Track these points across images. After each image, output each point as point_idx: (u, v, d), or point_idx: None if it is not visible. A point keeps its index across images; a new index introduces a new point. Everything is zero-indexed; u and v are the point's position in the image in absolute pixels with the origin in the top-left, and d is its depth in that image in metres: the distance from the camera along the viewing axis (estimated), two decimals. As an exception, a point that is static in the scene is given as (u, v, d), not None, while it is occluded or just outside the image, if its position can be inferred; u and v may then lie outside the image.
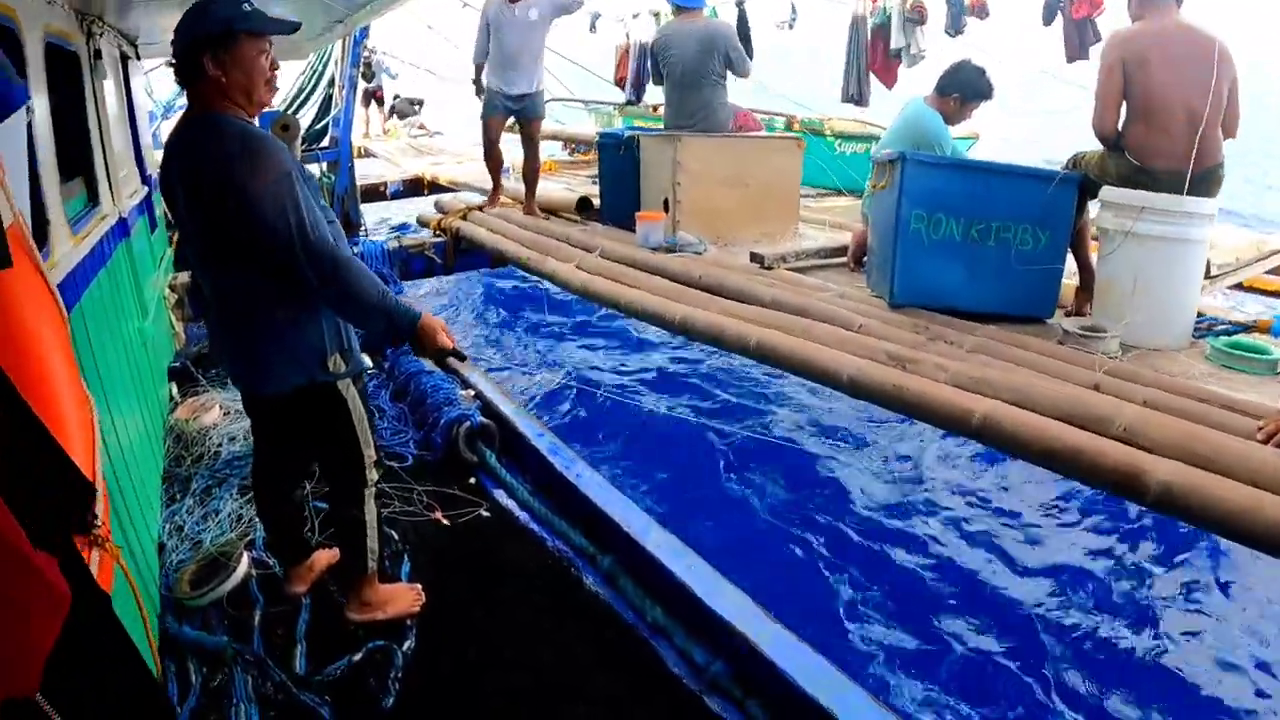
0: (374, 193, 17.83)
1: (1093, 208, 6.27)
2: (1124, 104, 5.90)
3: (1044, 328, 6.19)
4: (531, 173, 10.13)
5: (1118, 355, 5.48)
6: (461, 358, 4.44)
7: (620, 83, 17.19)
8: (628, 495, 5.98)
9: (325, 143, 13.08)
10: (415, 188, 17.82)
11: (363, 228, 13.08)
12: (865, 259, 7.23)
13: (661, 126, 9.83)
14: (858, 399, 5.28)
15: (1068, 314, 6.43)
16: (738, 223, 8.67)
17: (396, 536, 5.65)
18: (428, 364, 8.21)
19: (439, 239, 11.19)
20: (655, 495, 7.70)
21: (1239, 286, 8.28)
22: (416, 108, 23.55)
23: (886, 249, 6.25)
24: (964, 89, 7.11)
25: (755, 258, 7.61)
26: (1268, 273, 8.26)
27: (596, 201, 10.33)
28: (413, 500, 6.09)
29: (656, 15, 15.85)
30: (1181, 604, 7.25)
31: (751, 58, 9.73)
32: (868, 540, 7.75)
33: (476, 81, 9.68)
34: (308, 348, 4.02)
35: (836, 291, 6.70)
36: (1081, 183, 6.17)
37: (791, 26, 13.66)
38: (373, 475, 4.46)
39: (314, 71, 13.89)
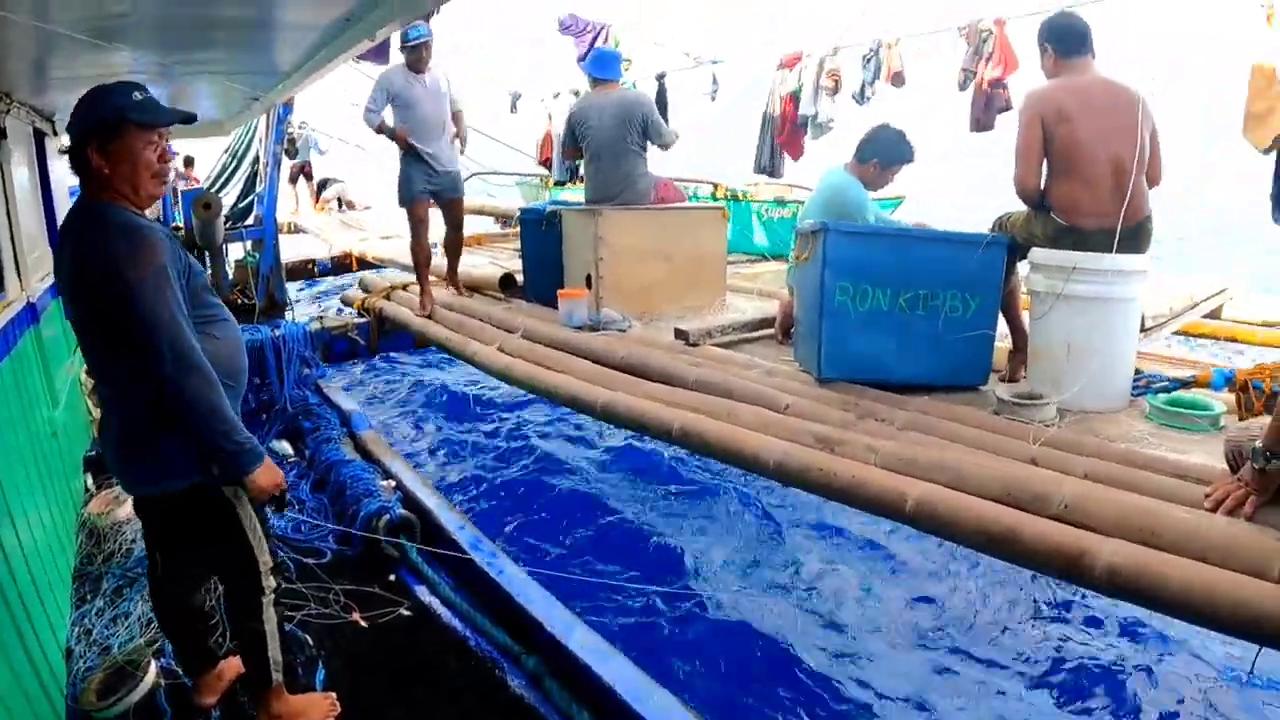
0: (303, 270, 17.96)
1: (1023, 268, 6.15)
2: (1046, 162, 5.74)
3: (979, 396, 6.01)
4: (454, 244, 9.94)
5: (1055, 422, 5.29)
6: (281, 506, 4.16)
7: (545, 163, 17.01)
8: (556, 590, 5.75)
9: (250, 220, 12.80)
10: (343, 265, 17.72)
11: (289, 307, 12.75)
12: (793, 330, 7.01)
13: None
14: (787, 485, 5.08)
15: (1002, 379, 6.28)
16: (663, 297, 8.49)
17: (310, 642, 5.43)
18: (348, 452, 8.00)
19: (363, 320, 10.92)
20: (586, 590, 7.39)
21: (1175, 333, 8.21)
22: (341, 185, 23.43)
23: (812, 323, 6.04)
24: (883, 154, 6.99)
25: (680, 334, 7.40)
26: (1204, 317, 8.28)
27: (520, 278, 10.11)
28: (329, 601, 5.83)
29: (577, 94, 15.70)
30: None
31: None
32: (815, 649, 7.39)
33: (387, 131, 9.26)
34: (185, 447, 3.78)
35: (764, 368, 6.49)
36: (1009, 245, 6.01)
37: (713, 98, 13.46)
38: (270, 582, 4.22)
39: (238, 148, 13.66)
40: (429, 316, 9.37)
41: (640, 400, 5.99)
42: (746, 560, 8.56)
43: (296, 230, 21.15)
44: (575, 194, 15.79)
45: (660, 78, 13.83)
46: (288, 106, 11.34)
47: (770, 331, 7.73)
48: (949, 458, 4.53)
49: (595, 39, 13.97)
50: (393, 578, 6.23)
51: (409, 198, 9.32)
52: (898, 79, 11.43)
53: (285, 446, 9.05)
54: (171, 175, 21.27)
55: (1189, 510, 3.83)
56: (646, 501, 9.55)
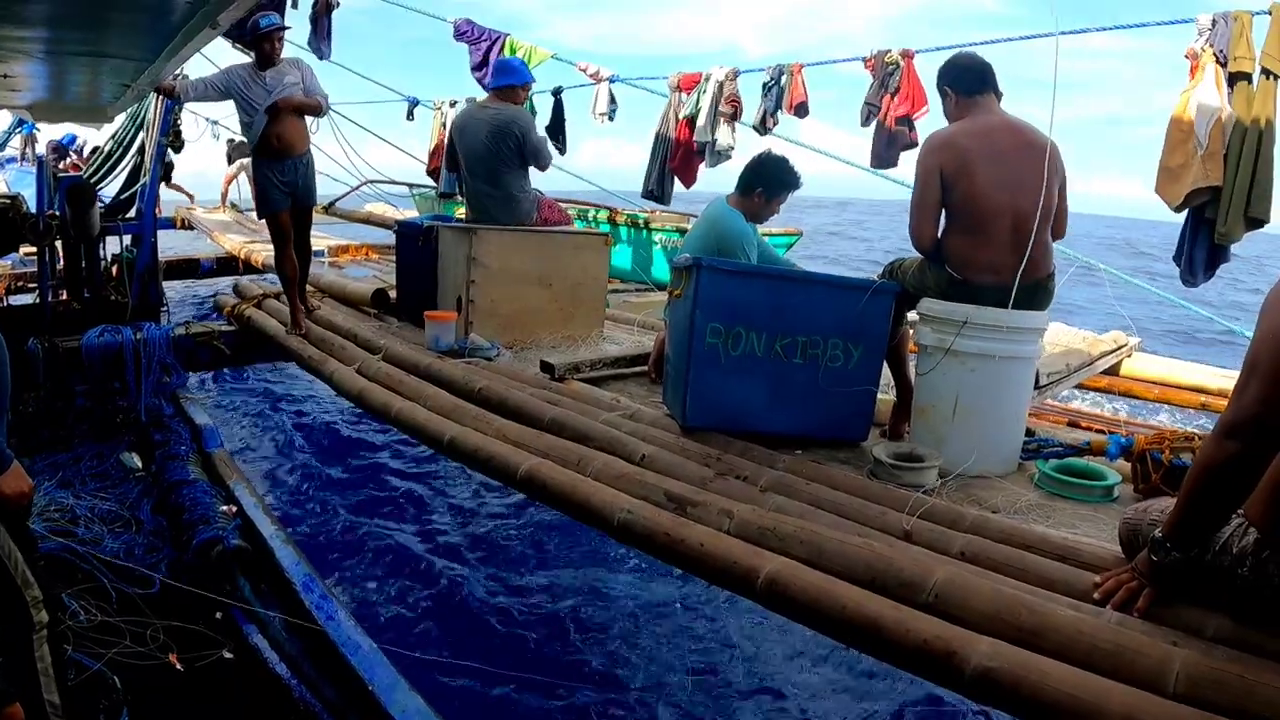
0: (186, 268, 17.57)
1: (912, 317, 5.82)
2: (943, 212, 5.41)
3: (857, 452, 5.62)
4: (304, 261, 9.31)
5: (935, 487, 4.92)
6: (23, 520, 3.68)
7: (433, 173, 16.40)
8: (395, 640, 5.33)
9: (131, 214, 12.20)
10: (229, 265, 17.30)
11: (164, 308, 12.17)
12: (661, 372, 6.66)
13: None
14: (629, 546, 4.66)
15: (883, 434, 5.96)
16: (538, 324, 8.13)
17: (118, 684, 4.93)
18: (194, 471, 7.56)
19: (230, 328, 10.43)
20: (424, 641, 6.87)
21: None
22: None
23: (680, 365, 5.63)
24: (768, 183, 6.62)
25: (546, 367, 7.02)
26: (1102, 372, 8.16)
27: (394, 294, 9.71)
28: (147, 639, 5.34)
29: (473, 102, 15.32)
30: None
31: (565, 150, 9.10)
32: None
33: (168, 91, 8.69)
34: None
35: (627, 410, 6.07)
36: (899, 294, 5.66)
37: (611, 118, 12.94)
38: (41, 617, 3.70)
39: (123, 136, 12.97)
40: (304, 336, 8.81)
41: (489, 439, 5.54)
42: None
43: (187, 226, 20.88)
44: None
45: (556, 92, 13.31)
46: (174, 99, 10.79)
47: (644, 369, 7.41)
48: (810, 529, 4.11)
49: (491, 47, 13.46)
50: (220, 615, 5.75)
51: (266, 209, 8.82)
52: (801, 109, 10.89)
53: (135, 460, 8.65)
54: (50, 156, 20.79)
55: (1075, 605, 3.48)
56: (513, 566, 8.73)
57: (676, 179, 11.96)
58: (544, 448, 5.34)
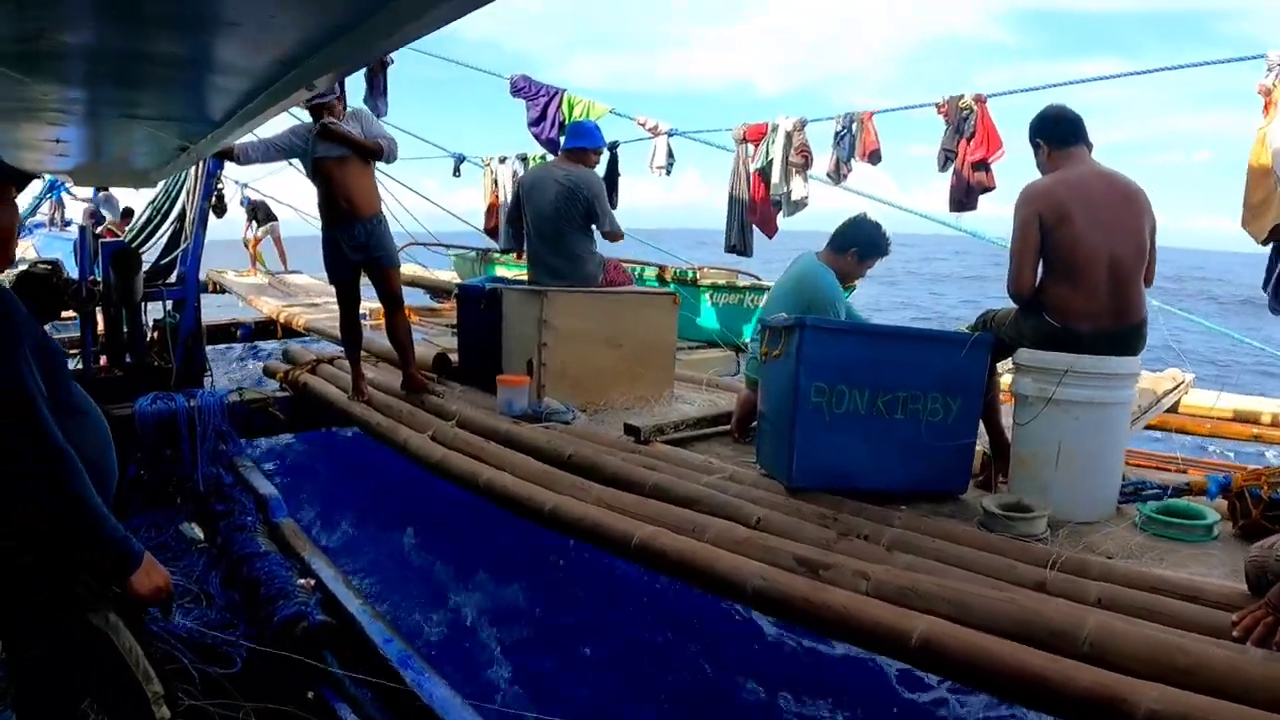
0: (224, 333, 17.36)
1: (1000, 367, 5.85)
2: (1041, 262, 5.35)
3: (960, 505, 5.54)
4: (396, 327, 8.77)
5: (1045, 535, 4.86)
6: (167, 612, 3.57)
7: (490, 232, 16.16)
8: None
9: (173, 278, 12.05)
10: (267, 330, 17.12)
11: (208, 373, 11.99)
12: (752, 428, 6.61)
13: (526, 278, 9.00)
14: (766, 615, 4.51)
15: (978, 484, 5.89)
16: (610, 386, 7.99)
17: (215, 773, 4.72)
18: (263, 543, 7.37)
19: (284, 393, 10.23)
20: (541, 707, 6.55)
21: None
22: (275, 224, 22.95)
23: (782, 426, 5.52)
24: (863, 244, 6.63)
25: (630, 430, 6.87)
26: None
27: (455, 358, 9.53)
28: (238, 722, 5.15)
29: (525, 159, 15.07)
30: None
31: (616, 205, 8.96)
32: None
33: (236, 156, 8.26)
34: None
35: (724, 472, 5.93)
36: (994, 345, 5.60)
37: (668, 171, 12.69)
38: (164, 713, 3.50)
39: (164, 201, 12.79)
40: (368, 402, 8.62)
41: (594, 508, 5.40)
42: None
43: (219, 290, 20.66)
44: (515, 270, 15.20)
45: (612, 147, 13.07)
46: (217, 160, 10.64)
47: (726, 428, 7.26)
48: (951, 587, 4.00)
49: (549, 103, 13.35)
50: (311, 694, 5.54)
51: (332, 272, 8.54)
52: (874, 156, 10.75)
53: (196, 531, 8.32)
54: (88, 222, 20.65)
55: (1223, 645, 3.43)
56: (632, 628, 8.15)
57: (757, 230, 11.87)
58: (651, 514, 5.21)
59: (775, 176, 11.16)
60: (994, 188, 9.84)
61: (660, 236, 14.30)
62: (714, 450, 6.79)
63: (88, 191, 22.90)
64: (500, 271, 15.97)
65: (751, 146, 11.63)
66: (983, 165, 9.68)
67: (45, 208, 25.92)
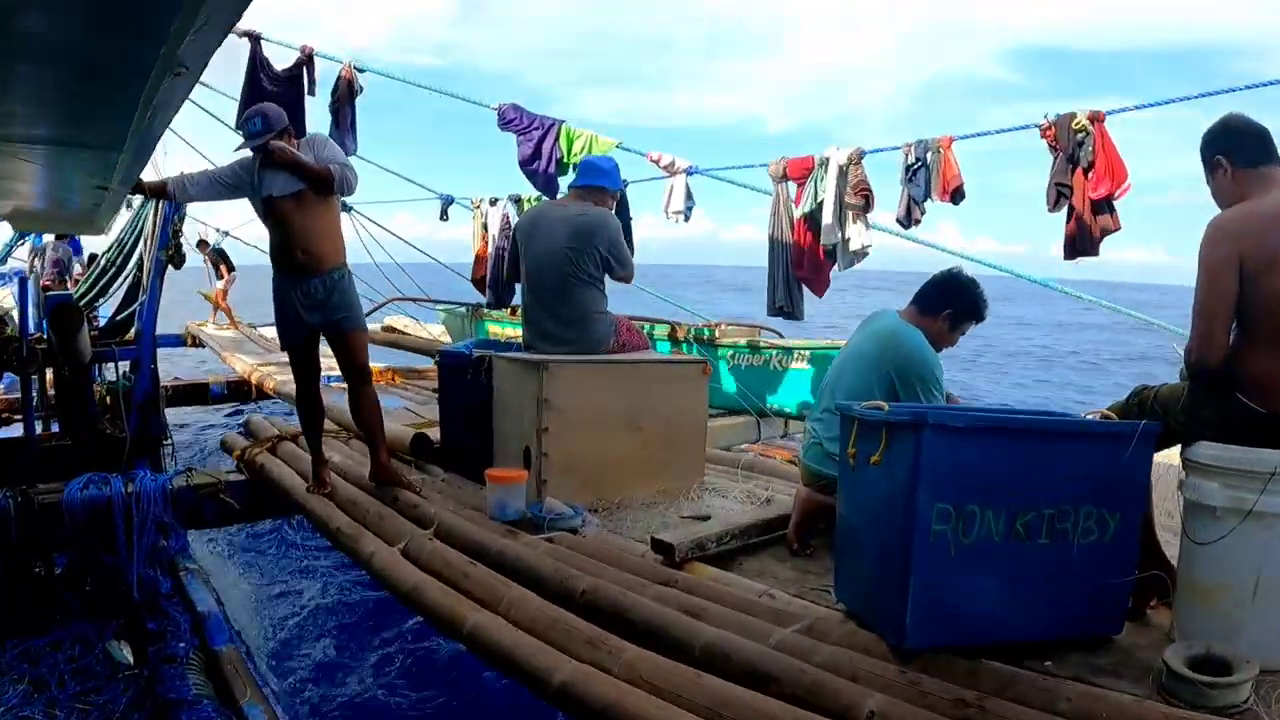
0: (195, 393, 16.64)
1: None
2: (1235, 322, 3.99)
3: (1118, 654, 4.02)
4: (361, 405, 7.14)
5: (1249, 702, 3.43)
6: None
7: (478, 282, 14.52)
8: None
9: (131, 334, 10.73)
10: (241, 391, 16.22)
11: (168, 442, 10.63)
12: (813, 541, 5.52)
13: (521, 340, 7.50)
14: None
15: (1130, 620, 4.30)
16: (628, 479, 6.51)
17: None
18: (195, 684, 6.11)
19: (239, 476, 8.74)
20: None
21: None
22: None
23: (888, 563, 3.98)
24: (960, 306, 5.45)
25: (660, 547, 5.27)
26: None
27: (436, 434, 8.01)
28: None
29: (519, 201, 13.46)
30: None
31: (632, 252, 7.43)
32: None
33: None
34: None
35: (799, 621, 4.28)
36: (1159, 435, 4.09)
37: (687, 218, 11.05)
38: None
39: (118, 250, 11.47)
40: (329, 495, 7.07)
41: (624, 689, 3.74)
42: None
43: (198, 344, 19.78)
44: (511, 329, 13.78)
45: (622, 192, 11.39)
46: (173, 205, 9.58)
47: (778, 532, 5.77)
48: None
49: (544, 138, 11.63)
50: None
51: (283, 337, 7.06)
52: (957, 194, 8.76)
53: (125, 652, 7.09)
54: (49, 271, 19.40)
55: None
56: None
57: (806, 288, 10.04)
58: (712, 700, 3.57)
59: (827, 219, 9.31)
60: (1119, 229, 7.92)
61: (667, 277, 12.55)
62: (769, 570, 5.28)
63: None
64: (493, 330, 14.44)
65: (794, 186, 9.79)
66: (1106, 203, 7.82)
67: (22, 253, 24.33)
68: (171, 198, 6.99)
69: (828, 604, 4.60)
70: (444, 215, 15.57)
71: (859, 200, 9.07)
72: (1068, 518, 3.93)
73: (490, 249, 14.05)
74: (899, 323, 5.39)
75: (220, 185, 6.76)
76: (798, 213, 9.58)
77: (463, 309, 16.58)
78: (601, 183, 7.07)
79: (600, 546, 5.48)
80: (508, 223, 13.41)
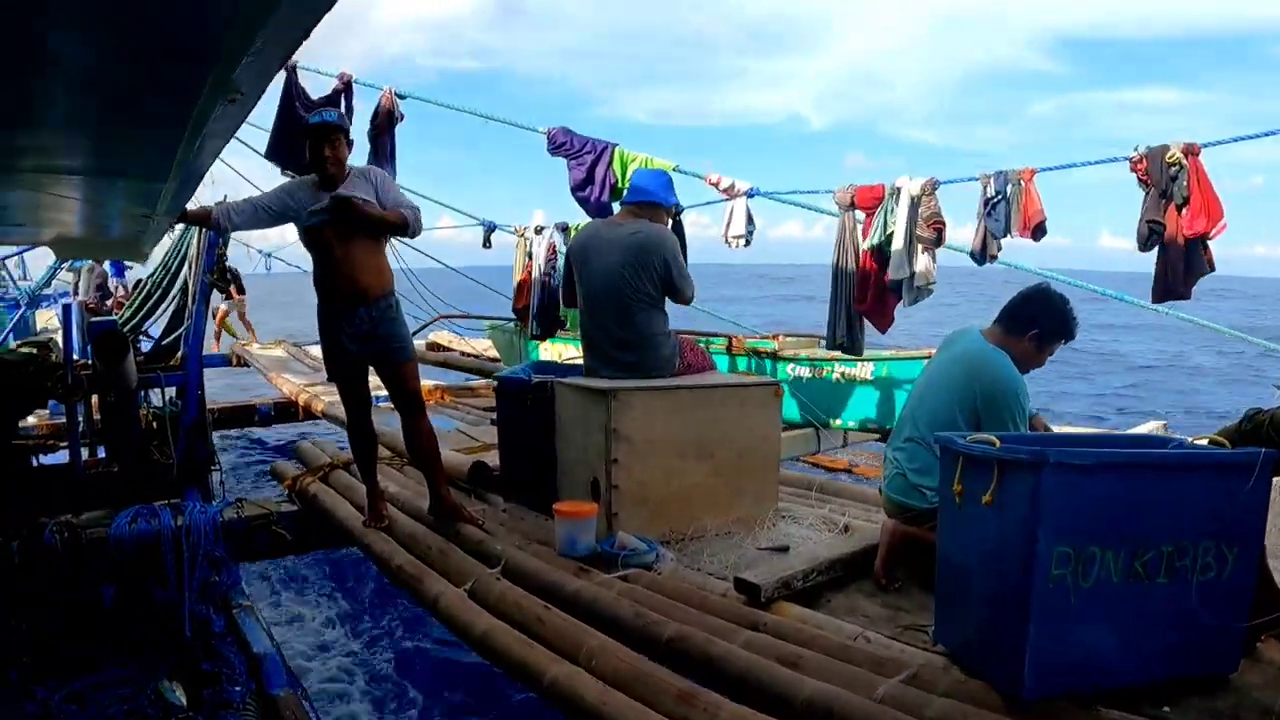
0: (242, 415, 16.41)
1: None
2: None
3: (1237, 695, 3.78)
4: (417, 441, 6.88)
5: None
6: None
7: (520, 312, 14.00)
8: None
9: (177, 359, 10.55)
10: (288, 412, 15.99)
11: (216, 468, 10.42)
12: (898, 576, 5.23)
13: (578, 361, 7.21)
14: None
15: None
16: (700, 509, 6.18)
17: None
18: None
19: (291, 507, 8.48)
20: None
21: None
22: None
23: (1004, 610, 3.72)
24: (1049, 326, 5.14)
25: (744, 587, 4.97)
26: None
27: (496, 461, 7.73)
28: None
29: (566, 230, 13.04)
30: None
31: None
32: None
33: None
34: None
35: (903, 669, 3.98)
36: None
37: (748, 242, 10.57)
38: None
39: (164, 273, 11.30)
40: (386, 530, 6.83)
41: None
42: None
43: (243, 363, 19.54)
44: (565, 347, 13.63)
45: (677, 213, 10.82)
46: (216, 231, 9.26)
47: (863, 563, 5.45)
48: None
49: (596, 162, 11.14)
50: None
51: (330, 368, 6.85)
52: (1039, 229, 8.19)
53: (177, 693, 6.71)
54: (92, 295, 19.30)
55: None
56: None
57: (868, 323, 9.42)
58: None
59: (896, 258, 8.76)
60: (1213, 269, 7.41)
61: (705, 276, 11.94)
62: (858, 607, 4.98)
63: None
64: (544, 351, 14.10)
65: (862, 214, 9.21)
66: (1201, 241, 7.32)
67: (67, 275, 24.13)
68: (217, 227, 6.70)
69: (925, 645, 4.36)
70: (486, 243, 15.03)
71: (931, 234, 8.55)
72: (1186, 554, 3.70)
73: (534, 278, 13.57)
74: (984, 345, 5.14)
75: (266, 213, 6.53)
76: (865, 244, 9.05)
77: (511, 324, 16.24)
78: (655, 198, 6.82)
79: (678, 585, 5.20)
80: (554, 252, 12.99)
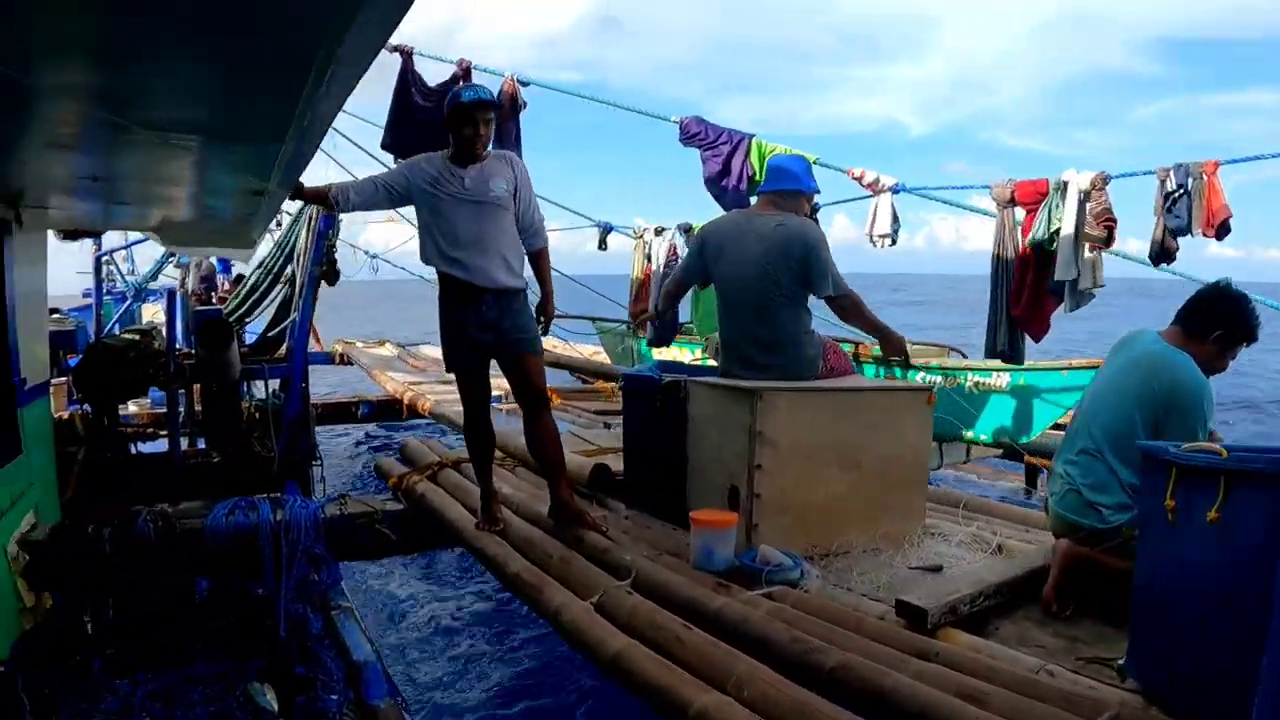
0: (343, 412, 16.51)
1: None
2: None
3: None
4: (539, 437, 6.51)
5: None
6: None
7: (637, 317, 13.49)
8: None
9: (282, 352, 10.44)
10: (391, 410, 15.92)
11: (317, 463, 10.33)
12: (1065, 601, 4.74)
13: (705, 360, 6.72)
14: None
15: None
16: (845, 522, 5.69)
17: None
18: None
19: (396, 505, 8.15)
20: None
21: None
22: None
23: (1226, 644, 3.25)
24: (1233, 327, 4.82)
25: (907, 610, 4.49)
26: None
27: (619, 465, 7.31)
28: None
29: (688, 231, 12.62)
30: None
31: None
32: None
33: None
34: None
35: (1107, 714, 3.46)
36: None
37: (894, 240, 9.98)
38: None
39: (272, 264, 11.14)
40: (500, 533, 6.43)
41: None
42: None
43: (346, 361, 19.52)
44: (686, 351, 13.21)
45: (814, 210, 10.24)
46: (327, 219, 9.38)
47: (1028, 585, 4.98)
48: None
49: (733, 153, 10.63)
50: None
51: (450, 360, 6.44)
52: (1223, 228, 7.47)
53: (268, 697, 6.37)
54: (198, 285, 19.32)
55: None
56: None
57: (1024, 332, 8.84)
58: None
59: (1065, 253, 8.08)
60: None
61: (854, 278, 11.30)
62: (1030, 636, 4.49)
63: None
64: (658, 355, 13.63)
65: (1022, 212, 8.58)
66: None
67: (173, 270, 24.09)
68: (334, 206, 6.37)
69: (1111, 680, 3.89)
70: (602, 244, 14.57)
71: (1101, 231, 7.96)
72: None
73: (653, 282, 13.17)
74: (1164, 347, 4.75)
75: (388, 191, 6.25)
76: (1029, 239, 8.44)
77: (623, 326, 15.82)
78: (796, 185, 6.36)
79: (829, 606, 4.70)
80: (674, 254, 12.54)
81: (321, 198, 6.26)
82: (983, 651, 4.15)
